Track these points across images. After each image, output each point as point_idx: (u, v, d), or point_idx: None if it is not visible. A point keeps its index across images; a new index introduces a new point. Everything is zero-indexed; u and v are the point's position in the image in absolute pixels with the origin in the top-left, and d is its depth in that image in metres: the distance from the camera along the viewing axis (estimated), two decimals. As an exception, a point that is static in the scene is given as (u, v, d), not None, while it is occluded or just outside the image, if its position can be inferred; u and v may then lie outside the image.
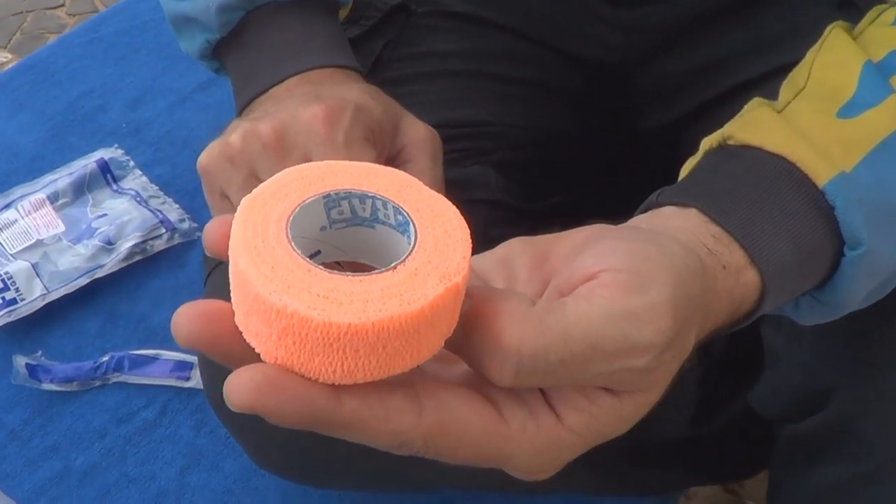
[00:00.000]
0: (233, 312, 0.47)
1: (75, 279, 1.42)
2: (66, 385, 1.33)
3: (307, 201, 0.48)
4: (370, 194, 0.49)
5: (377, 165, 0.51)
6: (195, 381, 1.34)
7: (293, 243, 0.46)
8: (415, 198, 0.50)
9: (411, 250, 0.47)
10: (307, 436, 0.83)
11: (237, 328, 0.47)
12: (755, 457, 1.05)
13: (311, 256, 0.47)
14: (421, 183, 0.51)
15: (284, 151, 0.80)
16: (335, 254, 0.51)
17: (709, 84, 1.05)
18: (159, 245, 1.50)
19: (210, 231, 0.50)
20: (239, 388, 0.44)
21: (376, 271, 0.46)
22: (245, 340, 0.47)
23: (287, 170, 0.50)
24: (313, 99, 0.82)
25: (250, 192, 0.79)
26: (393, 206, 0.49)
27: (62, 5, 2.74)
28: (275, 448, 0.94)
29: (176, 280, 1.48)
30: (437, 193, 0.50)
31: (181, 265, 1.50)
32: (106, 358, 1.35)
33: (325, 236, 0.50)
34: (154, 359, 1.35)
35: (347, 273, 0.45)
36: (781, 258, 0.60)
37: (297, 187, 0.49)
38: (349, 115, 0.81)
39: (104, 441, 1.29)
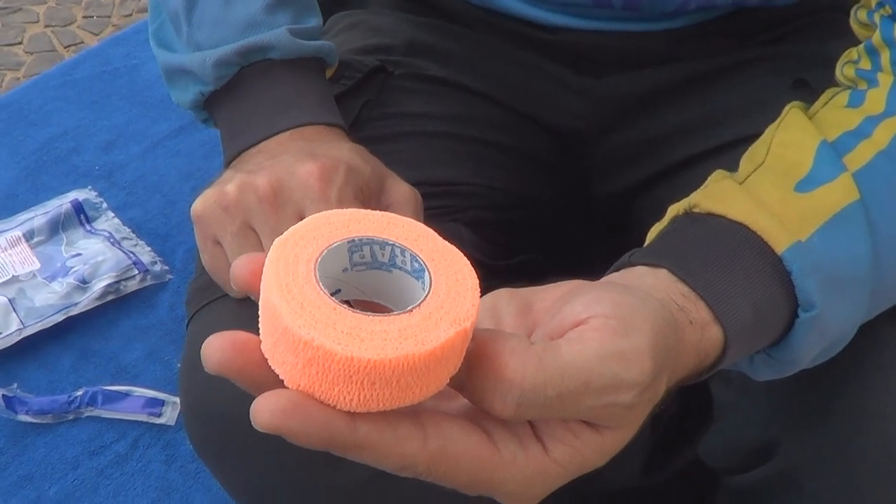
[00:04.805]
0: (258, 343, 0.51)
1: (50, 315, 1.45)
2: (41, 417, 1.36)
3: (333, 245, 0.53)
4: (390, 242, 0.54)
5: (397, 216, 0.56)
6: (166, 417, 1.37)
7: (321, 283, 0.51)
8: (430, 247, 0.54)
9: (426, 295, 0.52)
10: (291, 471, 0.85)
11: (263, 357, 0.51)
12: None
13: (333, 294, 0.51)
14: (436, 234, 0.55)
15: (279, 205, 0.82)
16: (353, 293, 0.55)
17: (662, 155, 1.10)
18: (132, 286, 1.53)
19: (239, 267, 0.54)
20: (265, 409, 0.49)
21: (394, 313, 0.50)
22: (269, 368, 0.51)
23: (315, 215, 0.54)
24: (308, 156, 0.84)
25: (243, 240, 0.82)
26: (410, 254, 0.54)
27: (20, 42, 2.74)
28: (254, 482, 0.94)
29: (147, 320, 1.51)
30: (449, 244, 0.55)
31: (152, 306, 1.53)
32: (80, 392, 1.38)
33: (346, 277, 0.55)
34: (126, 395, 1.38)
35: (368, 313, 0.50)
36: (742, 316, 0.66)
37: (325, 232, 0.53)
38: (342, 174, 0.83)
39: (77, 472, 1.31)
